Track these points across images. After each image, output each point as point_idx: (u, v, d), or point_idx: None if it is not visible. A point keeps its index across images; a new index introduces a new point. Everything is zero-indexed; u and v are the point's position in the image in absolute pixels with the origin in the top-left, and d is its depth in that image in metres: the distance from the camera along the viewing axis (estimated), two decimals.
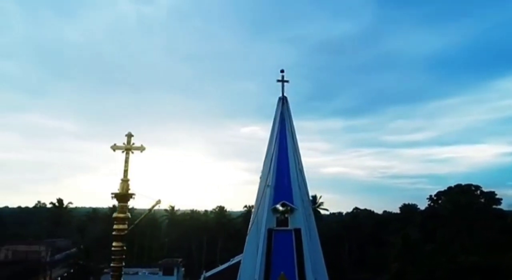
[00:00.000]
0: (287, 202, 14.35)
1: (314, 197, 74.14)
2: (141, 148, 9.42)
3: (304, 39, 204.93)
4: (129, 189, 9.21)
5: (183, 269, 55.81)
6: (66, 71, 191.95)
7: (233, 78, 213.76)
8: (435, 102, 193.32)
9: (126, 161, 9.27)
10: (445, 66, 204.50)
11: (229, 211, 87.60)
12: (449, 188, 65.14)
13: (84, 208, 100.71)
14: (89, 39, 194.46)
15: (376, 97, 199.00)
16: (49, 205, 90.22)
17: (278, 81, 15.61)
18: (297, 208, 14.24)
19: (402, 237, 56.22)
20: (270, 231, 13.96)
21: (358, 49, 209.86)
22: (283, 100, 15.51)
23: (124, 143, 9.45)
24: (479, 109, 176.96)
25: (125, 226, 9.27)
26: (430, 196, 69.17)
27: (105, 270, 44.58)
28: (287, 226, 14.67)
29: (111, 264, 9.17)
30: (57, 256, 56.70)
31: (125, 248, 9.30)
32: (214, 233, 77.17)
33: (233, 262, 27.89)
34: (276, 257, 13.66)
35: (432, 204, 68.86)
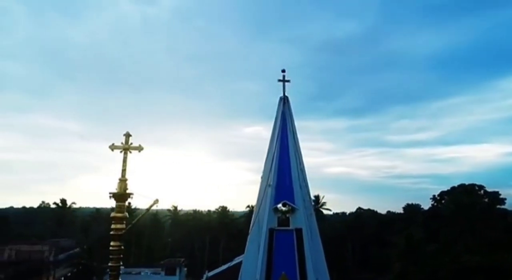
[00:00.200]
0: (288, 202, 14.30)
1: (317, 197, 74.12)
2: (139, 148, 9.43)
3: (307, 39, 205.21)
4: (127, 189, 9.23)
5: (185, 269, 55.93)
6: (70, 71, 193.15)
7: (236, 78, 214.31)
8: (438, 102, 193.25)
9: (124, 161, 9.28)
10: (448, 65, 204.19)
11: (232, 211, 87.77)
12: (453, 188, 64.78)
13: (88, 208, 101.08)
14: (93, 40, 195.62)
15: (379, 97, 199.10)
16: (52, 205, 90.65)
17: (279, 80, 15.57)
18: (298, 208, 14.18)
19: (405, 237, 56.03)
20: (271, 231, 13.91)
21: (361, 49, 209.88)
22: (284, 100, 15.46)
23: (122, 143, 9.49)
24: (482, 109, 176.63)
25: (123, 226, 9.29)
26: (434, 196, 68.86)
27: (108, 270, 44.57)
28: (289, 226, 14.66)
29: (109, 264, 9.19)
30: (61, 256, 56.92)
31: (123, 247, 9.33)
32: (217, 233, 77.29)
33: (235, 262, 27.86)
34: (277, 257, 13.61)
35: (435, 204, 68.54)
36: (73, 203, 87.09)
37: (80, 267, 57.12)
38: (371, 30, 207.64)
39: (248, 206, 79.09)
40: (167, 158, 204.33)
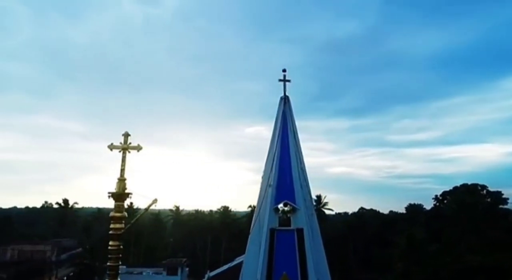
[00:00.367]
0: (289, 202, 14.27)
1: (319, 197, 74.16)
2: (138, 148, 9.44)
3: (308, 39, 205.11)
4: (126, 188, 9.23)
5: (187, 269, 55.92)
6: (71, 71, 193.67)
7: (237, 78, 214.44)
8: (439, 101, 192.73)
9: (123, 161, 9.29)
10: (448, 65, 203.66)
11: (233, 211, 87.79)
12: (455, 187, 64.70)
13: (91, 208, 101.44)
14: (94, 40, 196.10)
15: (380, 97, 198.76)
16: (55, 206, 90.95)
17: (280, 80, 15.53)
18: (299, 208, 14.14)
19: (407, 237, 55.89)
20: (272, 231, 13.87)
21: (361, 49, 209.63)
22: (285, 100, 15.43)
23: (121, 143, 9.49)
24: (484, 109, 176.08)
25: (122, 225, 9.30)
26: (436, 196, 68.83)
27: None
28: (290, 226, 14.63)
29: (108, 263, 9.20)
30: (63, 256, 57.01)
31: (122, 247, 9.33)
32: (219, 233, 77.34)
33: (237, 262, 27.85)
34: (278, 257, 13.58)
35: (437, 204, 68.49)
36: (75, 203, 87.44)
37: (82, 267, 57.29)
38: (371, 30, 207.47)
39: (250, 206, 79.10)
40: (169, 158, 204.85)
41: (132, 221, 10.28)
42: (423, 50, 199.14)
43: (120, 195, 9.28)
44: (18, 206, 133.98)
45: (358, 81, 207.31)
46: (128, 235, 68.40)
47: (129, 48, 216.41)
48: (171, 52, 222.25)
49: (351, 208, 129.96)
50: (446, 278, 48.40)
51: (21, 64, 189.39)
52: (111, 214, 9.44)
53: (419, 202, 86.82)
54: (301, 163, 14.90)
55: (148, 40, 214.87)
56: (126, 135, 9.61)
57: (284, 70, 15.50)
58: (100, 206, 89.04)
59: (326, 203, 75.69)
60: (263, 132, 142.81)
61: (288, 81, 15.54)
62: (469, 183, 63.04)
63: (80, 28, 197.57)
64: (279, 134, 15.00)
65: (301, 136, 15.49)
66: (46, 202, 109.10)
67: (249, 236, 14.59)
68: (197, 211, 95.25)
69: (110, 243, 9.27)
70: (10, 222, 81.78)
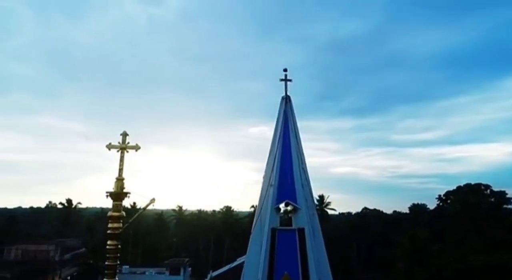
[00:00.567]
0: (290, 202, 14.26)
1: (322, 197, 74.05)
2: (136, 147, 9.47)
3: (312, 39, 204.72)
4: (124, 188, 9.25)
5: (189, 269, 56.03)
6: (75, 72, 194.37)
7: (240, 79, 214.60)
8: (444, 101, 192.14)
9: (121, 160, 9.32)
10: (453, 65, 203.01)
11: (236, 211, 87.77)
12: (458, 187, 64.45)
13: (95, 208, 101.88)
14: (98, 41, 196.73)
15: (384, 97, 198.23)
16: (59, 206, 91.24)
17: (281, 80, 15.52)
18: (301, 208, 14.13)
19: (410, 237, 55.71)
20: (273, 231, 13.86)
21: (365, 49, 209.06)
22: (286, 99, 15.43)
23: (119, 142, 9.50)
24: (488, 108, 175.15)
25: (120, 225, 9.34)
26: (439, 195, 68.64)
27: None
28: (291, 225, 14.62)
29: (106, 262, 9.24)
30: (66, 256, 57.20)
31: (119, 246, 9.37)
32: (221, 233, 77.39)
33: (239, 262, 27.87)
34: (279, 257, 13.57)
35: (441, 204, 68.25)
36: (79, 203, 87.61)
37: (86, 267, 57.47)
38: (375, 30, 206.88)
39: (253, 206, 79.04)
40: (172, 158, 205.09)
41: (130, 221, 10.33)
42: (427, 50, 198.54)
43: (118, 194, 9.30)
44: (23, 206, 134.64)
45: (362, 81, 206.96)
46: (131, 235, 68.63)
47: (131, 48, 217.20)
48: (174, 52, 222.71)
49: (355, 208, 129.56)
50: (449, 278, 48.23)
51: (24, 65, 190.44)
52: (109, 213, 9.46)
53: (423, 202, 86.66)
54: (302, 163, 14.88)
55: (150, 41, 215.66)
56: (124, 135, 9.63)
57: (285, 70, 15.50)
58: (104, 206, 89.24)
59: (329, 203, 75.59)
60: (266, 132, 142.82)
61: (290, 80, 15.55)
62: (473, 183, 62.83)
63: (83, 28, 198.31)
64: (280, 133, 15.00)
65: (305, 136, 15.50)
66: (50, 202, 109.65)
67: (251, 236, 14.60)
68: (200, 211, 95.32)
69: (109, 242, 9.30)
70: (15, 222, 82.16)
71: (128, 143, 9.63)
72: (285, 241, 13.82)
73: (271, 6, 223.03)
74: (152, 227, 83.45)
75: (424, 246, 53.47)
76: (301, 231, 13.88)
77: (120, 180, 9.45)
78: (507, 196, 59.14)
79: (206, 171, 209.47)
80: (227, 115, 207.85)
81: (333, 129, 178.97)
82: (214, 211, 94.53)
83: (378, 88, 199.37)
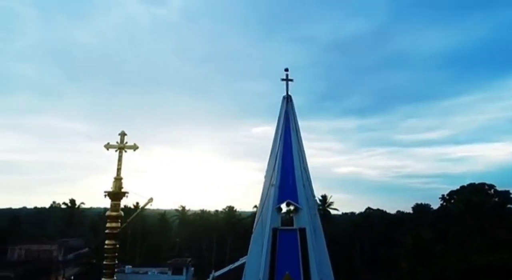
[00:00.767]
0: (291, 201, 14.23)
1: (324, 197, 73.87)
2: (134, 147, 9.50)
3: (315, 38, 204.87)
4: (122, 188, 9.28)
5: (192, 268, 56.11)
6: (78, 72, 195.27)
7: (243, 79, 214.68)
8: (448, 100, 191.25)
9: (119, 160, 9.35)
10: (456, 64, 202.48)
11: (239, 211, 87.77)
12: (462, 187, 64.12)
13: (99, 208, 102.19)
14: (101, 41, 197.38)
15: (388, 96, 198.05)
16: (62, 206, 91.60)
17: (282, 79, 15.51)
18: (302, 208, 14.09)
19: (413, 237, 55.49)
20: (274, 231, 13.83)
21: (368, 48, 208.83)
22: (287, 99, 15.40)
23: (117, 142, 9.53)
24: (493, 108, 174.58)
25: (118, 224, 9.36)
26: (443, 195, 68.26)
27: (116, 270, 44.88)
28: (292, 225, 14.58)
29: (104, 262, 9.27)
30: (70, 256, 57.37)
31: (118, 246, 9.40)
32: (224, 233, 77.39)
33: (241, 262, 27.86)
34: (281, 257, 13.54)
35: (444, 203, 67.92)
36: (82, 203, 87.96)
37: (89, 267, 57.57)
38: (378, 29, 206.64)
39: (255, 206, 78.92)
40: (175, 158, 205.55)
41: (128, 220, 10.32)
42: (429, 49, 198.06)
43: (116, 194, 9.30)
44: (28, 207, 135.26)
45: (365, 81, 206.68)
46: (134, 236, 68.72)
47: (134, 49, 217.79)
48: (176, 53, 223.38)
49: (358, 208, 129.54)
50: (452, 278, 48.00)
51: (27, 65, 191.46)
52: (107, 213, 9.49)
53: (427, 202, 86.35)
54: (303, 163, 14.85)
55: (153, 41, 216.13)
56: (123, 134, 9.65)
57: (286, 70, 15.47)
58: (107, 206, 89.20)
59: (331, 203, 75.39)
60: (269, 132, 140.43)
61: (291, 80, 15.52)
62: (477, 182, 62.49)
63: (85, 28, 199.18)
64: (281, 133, 14.98)
65: (308, 136, 15.49)
66: (54, 202, 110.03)
67: (252, 236, 14.58)
68: (202, 211, 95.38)
69: (106, 242, 9.33)
70: (19, 223, 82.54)
71: (126, 142, 9.64)
72: (287, 241, 13.78)
73: (273, 6, 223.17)
74: (155, 227, 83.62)
75: (427, 246, 53.27)
76: (303, 231, 13.84)
77: (118, 179, 9.47)
78: (511, 196, 58.82)
79: (209, 171, 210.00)
80: (230, 115, 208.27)
81: (336, 129, 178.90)
82: (217, 211, 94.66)
83: (380, 88, 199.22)
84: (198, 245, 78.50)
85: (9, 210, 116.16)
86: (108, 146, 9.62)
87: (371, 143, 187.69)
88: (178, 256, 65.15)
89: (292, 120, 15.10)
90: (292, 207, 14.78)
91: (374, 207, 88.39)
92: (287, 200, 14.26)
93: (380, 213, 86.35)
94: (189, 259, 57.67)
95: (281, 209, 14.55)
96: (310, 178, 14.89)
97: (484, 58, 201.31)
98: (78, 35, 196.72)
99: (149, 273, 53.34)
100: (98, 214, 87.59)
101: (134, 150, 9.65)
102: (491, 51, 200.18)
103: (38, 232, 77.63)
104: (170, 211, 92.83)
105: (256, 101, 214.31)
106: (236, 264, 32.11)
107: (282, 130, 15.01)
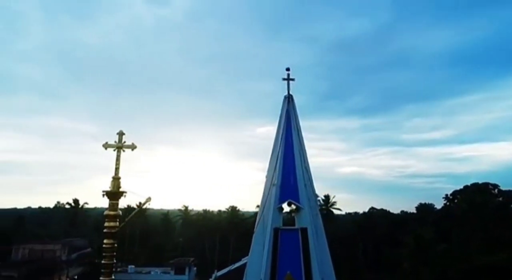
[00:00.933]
0: (293, 201, 14.18)
1: (327, 196, 73.77)
2: (132, 147, 9.51)
3: (318, 38, 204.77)
4: (120, 187, 9.30)
5: (195, 268, 56.13)
6: (83, 73, 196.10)
7: (248, 79, 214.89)
8: (452, 100, 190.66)
9: (117, 159, 9.37)
10: (460, 63, 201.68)
11: (242, 211, 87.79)
12: (465, 187, 63.91)
13: (103, 208, 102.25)
14: (106, 42, 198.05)
15: (392, 96, 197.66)
16: (66, 206, 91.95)
17: (284, 79, 15.46)
18: (303, 207, 14.04)
19: (415, 237, 55.28)
20: (276, 230, 13.80)
21: (372, 48, 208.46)
22: (288, 99, 15.37)
23: (115, 141, 9.53)
24: (497, 107, 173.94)
25: (116, 224, 9.38)
26: (446, 195, 68.06)
27: (119, 269, 45.25)
28: (294, 225, 14.54)
29: (102, 261, 9.30)
30: (73, 256, 57.61)
31: (116, 245, 9.43)
32: (227, 233, 77.44)
33: (243, 261, 27.85)
34: (282, 257, 13.50)
35: (447, 203, 67.70)
36: (86, 203, 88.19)
37: (93, 267, 57.75)
38: (382, 29, 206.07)
39: (258, 206, 78.91)
40: (179, 158, 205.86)
41: (126, 219, 10.35)
42: (433, 49, 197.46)
43: (114, 193, 9.31)
44: (32, 207, 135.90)
45: (369, 80, 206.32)
46: (137, 235, 68.86)
47: (139, 49, 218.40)
48: (181, 53, 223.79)
49: (362, 208, 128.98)
50: (454, 277, 47.79)
51: (32, 66, 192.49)
52: (106, 212, 9.53)
53: (430, 202, 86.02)
54: (305, 162, 14.80)
55: (158, 41, 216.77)
56: (121, 134, 9.66)
57: (287, 69, 15.42)
58: None
59: (334, 203, 75.26)
60: (274, 132, 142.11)
61: (292, 79, 15.47)
62: (481, 182, 62.26)
63: (90, 29, 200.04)
64: (283, 133, 14.94)
65: (310, 135, 15.52)
66: (58, 202, 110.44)
67: (253, 236, 14.56)
68: (205, 211, 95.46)
69: (105, 241, 9.37)
70: (23, 223, 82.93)
71: (125, 142, 9.64)
72: (288, 241, 13.74)
73: (278, 6, 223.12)
74: (158, 227, 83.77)
75: (429, 246, 53.07)
76: (304, 231, 13.79)
77: (116, 179, 9.47)
78: None
79: (212, 171, 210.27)
80: (235, 115, 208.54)
81: (339, 128, 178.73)
82: (220, 211, 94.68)
83: (384, 87, 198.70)
84: (201, 245, 78.60)
85: (14, 210, 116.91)
86: (106, 146, 9.63)
87: (375, 142, 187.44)
88: (181, 256, 65.23)
89: (293, 119, 15.06)
90: (293, 207, 14.71)
91: (378, 207, 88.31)
92: (289, 200, 14.19)
93: (383, 213, 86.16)
94: (192, 259, 57.72)
95: (282, 209, 14.49)
96: (311, 178, 14.86)
97: (488, 58, 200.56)
98: (82, 36, 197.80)
99: (152, 272, 53.42)
100: (102, 214, 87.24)
101: (132, 149, 9.65)
102: (495, 50, 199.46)
103: (42, 232, 77.94)
104: (173, 211, 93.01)
105: (261, 101, 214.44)
106: (239, 264, 32.14)
107: (283, 130, 14.97)
